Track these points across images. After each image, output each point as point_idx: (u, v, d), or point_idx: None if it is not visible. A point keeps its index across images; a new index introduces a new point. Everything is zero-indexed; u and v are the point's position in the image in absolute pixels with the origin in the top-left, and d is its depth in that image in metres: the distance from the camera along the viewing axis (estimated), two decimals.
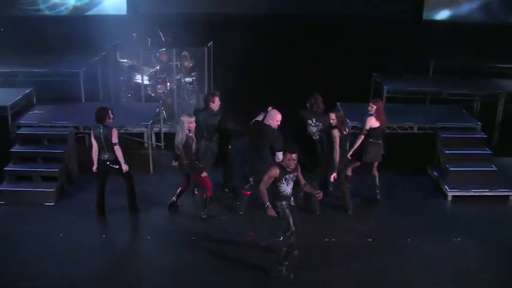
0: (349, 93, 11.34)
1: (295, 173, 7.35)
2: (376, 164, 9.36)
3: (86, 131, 10.41)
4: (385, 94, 11.57)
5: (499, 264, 8.04)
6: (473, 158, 10.17)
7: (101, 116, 8.48)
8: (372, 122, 9.07)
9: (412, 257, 8.13)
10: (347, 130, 8.84)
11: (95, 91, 11.92)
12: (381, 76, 12.36)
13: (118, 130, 8.77)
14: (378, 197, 9.48)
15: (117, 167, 8.62)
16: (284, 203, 7.35)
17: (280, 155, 8.28)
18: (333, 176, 8.74)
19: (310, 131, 9.15)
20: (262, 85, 12.61)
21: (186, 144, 8.52)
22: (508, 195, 9.72)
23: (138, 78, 12.18)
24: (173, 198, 9.08)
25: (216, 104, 9.18)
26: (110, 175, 8.84)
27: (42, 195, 9.32)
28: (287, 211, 7.35)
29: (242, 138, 10.14)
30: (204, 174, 8.67)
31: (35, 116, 10.53)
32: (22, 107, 10.74)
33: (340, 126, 8.68)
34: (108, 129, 8.45)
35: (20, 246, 8.23)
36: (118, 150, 8.56)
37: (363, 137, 9.10)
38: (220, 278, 7.59)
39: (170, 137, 11.19)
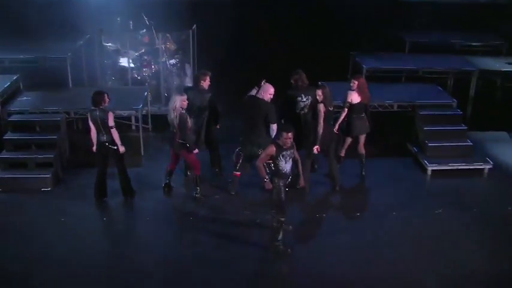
0: (328, 72, 11.64)
1: (292, 150, 7.76)
2: (363, 140, 9.82)
3: (76, 116, 10.61)
4: (364, 73, 11.97)
5: (478, 232, 8.67)
6: (450, 134, 10.74)
7: (97, 100, 8.71)
8: (354, 97, 9.48)
9: (398, 228, 8.66)
10: (332, 107, 9.24)
11: (79, 75, 12.03)
12: (359, 55, 12.79)
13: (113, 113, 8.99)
14: (363, 173, 9.98)
15: (115, 147, 8.88)
16: (282, 183, 7.76)
17: (274, 127, 8.75)
18: (316, 148, 9.09)
19: (299, 107, 9.52)
20: (245, 66, 12.90)
21: (181, 122, 8.76)
22: (483, 168, 10.35)
23: (122, 62, 12.35)
24: (166, 179, 9.40)
25: (206, 83, 9.46)
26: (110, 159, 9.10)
27: (39, 182, 9.51)
28: (282, 194, 7.76)
29: (229, 119, 10.46)
30: (196, 151, 8.98)
31: (24, 102, 10.65)
32: (10, 94, 10.82)
33: (326, 102, 9.03)
34: (105, 112, 8.69)
35: (22, 231, 8.44)
36: (114, 133, 8.81)
37: (346, 110, 9.51)
38: (220, 255, 7.99)
39: (156, 118, 11.72)
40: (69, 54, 11.45)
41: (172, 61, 12.56)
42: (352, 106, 9.53)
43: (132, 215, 9.16)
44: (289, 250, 8.02)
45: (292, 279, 7.69)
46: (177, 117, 8.75)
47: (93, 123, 8.79)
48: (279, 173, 7.76)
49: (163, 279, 7.51)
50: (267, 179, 7.77)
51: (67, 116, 10.49)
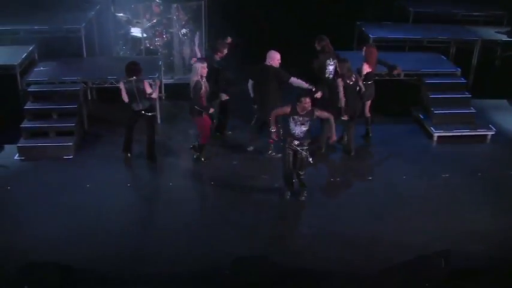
0: (333, 42, 11.67)
1: (307, 119, 8.14)
2: (369, 104, 10.36)
3: (93, 85, 10.92)
4: (371, 42, 12.20)
5: (482, 194, 9.17)
6: (454, 102, 11.19)
7: (134, 70, 9.09)
8: (366, 68, 10.06)
9: (408, 191, 9.15)
10: (353, 79, 9.66)
11: (92, 46, 12.27)
12: (365, 24, 13.09)
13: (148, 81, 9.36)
14: (370, 134, 10.53)
15: (150, 114, 9.30)
16: (288, 144, 8.25)
17: (294, 80, 9.26)
18: (345, 117, 9.66)
19: (328, 71, 10.09)
20: (254, 36, 13.17)
21: (194, 89, 9.11)
22: (486, 135, 10.84)
23: (134, 32, 12.60)
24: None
25: (223, 54, 9.84)
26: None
27: (61, 149, 9.84)
28: (287, 157, 8.34)
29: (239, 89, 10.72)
30: (211, 110, 9.33)
31: (41, 73, 10.91)
32: (27, 65, 11.05)
33: (344, 76, 9.52)
34: (141, 81, 9.11)
35: (50, 197, 8.77)
36: (153, 99, 9.30)
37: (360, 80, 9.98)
38: (239, 214, 8.51)
39: (169, 88, 12.01)
40: (83, 24, 11.63)
41: (184, 30, 12.80)
42: (365, 75, 10.06)
43: (155, 180, 9.52)
44: (287, 195, 8.75)
45: (306, 239, 8.14)
46: (193, 84, 9.10)
47: (128, 93, 9.11)
48: (288, 132, 8.27)
49: (187, 239, 7.95)
50: (273, 129, 8.33)
51: (85, 85, 10.77)
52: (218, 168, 9.72)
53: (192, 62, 10.04)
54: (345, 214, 8.61)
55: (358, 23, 13.32)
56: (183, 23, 12.67)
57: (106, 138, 10.46)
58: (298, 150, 8.40)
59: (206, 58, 9.95)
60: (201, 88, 9.12)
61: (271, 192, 9.01)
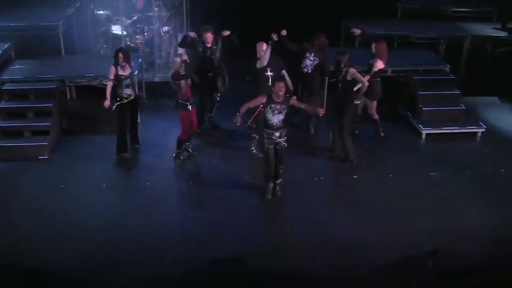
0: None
1: (284, 106, 7.98)
2: (375, 104, 10.13)
3: (71, 84, 10.64)
4: (358, 39, 12.10)
5: (472, 192, 8.96)
6: (443, 99, 10.99)
7: (124, 58, 9.11)
8: (380, 64, 9.75)
9: (395, 190, 8.94)
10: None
11: (71, 44, 11.99)
12: (352, 21, 12.86)
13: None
14: (382, 133, 10.27)
15: (133, 97, 9.32)
16: (268, 138, 8.12)
17: (284, 72, 9.22)
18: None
19: (304, 64, 10.01)
20: (239, 33, 12.91)
21: (172, 79, 8.96)
22: (476, 132, 10.63)
23: (115, 30, 12.34)
24: (185, 144, 9.44)
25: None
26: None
27: (36, 150, 9.55)
28: (268, 152, 8.21)
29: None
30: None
31: (17, 71, 10.63)
32: (2, 63, 10.78)
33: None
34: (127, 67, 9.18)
35: (21, 199, 8.51)
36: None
37: (368, 77, 9.61)
38: (219, 214, 8.26)
39: (150, 86, 11.85)
40: (61, 21, 11.36)
41: (165, 28, 12.55)
42: (377, 72, 9.77)
43: (131, 181, 9.28)
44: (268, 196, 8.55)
45: (292, 240, 7.91)
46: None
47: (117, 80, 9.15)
48: (266, 123, 8.10)
49: (164, 241, 7.67)
50: (239, 113, 8.12)
51: (62, 84, 10.49)
52: (199, 167, 9.51)
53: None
54: (329, 214, 8.38)
55: (345, 19, 13.08)
56: (165, 20, 12.39)
57: (83, 138, 10.22)
58: (279, 143, 8.22)
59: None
60: (177, 78, 8.88)
61: (253, 191, 8.77)
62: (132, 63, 9.40)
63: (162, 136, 10.39)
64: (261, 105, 8.17)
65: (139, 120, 10.58)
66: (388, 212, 8.42)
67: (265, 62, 9.13)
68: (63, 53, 11.50)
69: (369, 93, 9.75)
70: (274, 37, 9.00)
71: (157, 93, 11.80)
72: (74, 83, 10.67)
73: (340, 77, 9.32)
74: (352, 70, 9.17)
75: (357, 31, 10.76)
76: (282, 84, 7.97)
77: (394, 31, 12.49)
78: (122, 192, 8.89)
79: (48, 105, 10.05)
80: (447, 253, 7.21)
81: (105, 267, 7.16)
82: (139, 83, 11.72)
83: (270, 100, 8.03)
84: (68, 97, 11.74)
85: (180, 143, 9.41)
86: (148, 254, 7.41)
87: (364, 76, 9.39)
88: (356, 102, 9.42)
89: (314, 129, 10.60)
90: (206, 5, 12.55)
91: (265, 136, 8.28)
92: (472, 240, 7.76)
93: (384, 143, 10.34)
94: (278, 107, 8.04)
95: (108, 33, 12.32)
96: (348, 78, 9.18)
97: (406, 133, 10.74)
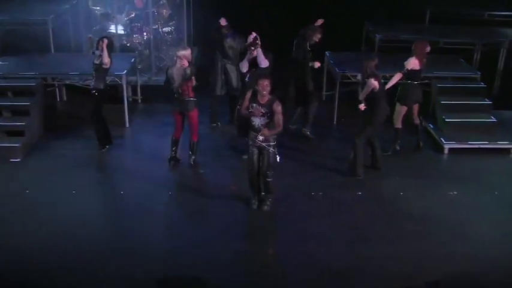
0: (341, 42, 11.21)
1: (265, 111, 7.22)
2: (417, 109, 9.25)
3: (54, 82, 10.08)
4: (377, 43, 11.35)
5: (497, 215, 7.87)
6: (471, 109, 9.95)
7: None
8: (413, 63, 8.85)
9: (404, 209, 7.97)
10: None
11: (66, 41, 11.47)
12: (372, 24, 12.05)
13: None
14: (421, 144, 9.41)
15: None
16: (251, 140, 7.40)
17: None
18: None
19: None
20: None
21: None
22: (509, 148, 9.49)
23: (112, 28, 11.76)
24: (172, 152, 8.85)
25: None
26: None
27: (8, 151, 8.97)
28: (250, 156, 7.50)
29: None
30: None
31: None
32: None
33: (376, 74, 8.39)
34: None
35: None
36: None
37: (400, 75, 8.86)
38: (200, 228, 7.53)
39: (146, 89, 11.27)
40: (51, 16, 10.87)
41: (167, 29, 11.90)
42: (409, 72, 8.89)
43: (104, 188, 8.65)
44: (254, 203, 7.85)
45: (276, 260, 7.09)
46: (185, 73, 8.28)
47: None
48: (250, 124, 7.40)
49: (139, 256, 6.93)
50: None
51: (44, 81, 9.97)
52: (184, 176, 8.79)
53: None
54: (322, 233, 7.43)
55: (365, 22, 12.25)
56: (165, 19, 11.75)
57: (65, 141, 9.62)
58: (264, 148, 7.39)
59: None
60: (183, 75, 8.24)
61: (238, 203, 7.97)
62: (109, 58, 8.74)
63: (150, 142, 9.75)
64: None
65: (127, 125, 10.17)
66: (390, 234, 7.44)
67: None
68: (52, 50, 10.93)
69: (400, 97, 8.98)
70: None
71: (153, 97, 11.17)
72: (58, 81, 10.00)
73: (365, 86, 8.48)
74: (370, 81, 8.22)
75: None
76: (266, 82, 7.17)
77: (419, 35, 11.37)
78: (91, 200, 8.17)
79: (24, 104, 9.46)
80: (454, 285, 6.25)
81: (59, 275, 6.54)
82: (134, 86, 11.15)
83: (254, 98, 7.29)
84: (58, 99, 11.22)
85: (197, 146, 8.78)
86: (120, 270, 6.67)
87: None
88: (361, 107, 8.43)
89: (311, 133, 9.80)
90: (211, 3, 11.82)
91: (249, 137, 7.54)
92: (486, 274, 6.67)
93: (399, 157, 9.33)
94: (259, 108, 7.26)
95: (103, 32, 11.68)
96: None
97: (427, 147, 9.66)
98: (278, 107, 7.22)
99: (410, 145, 9.57)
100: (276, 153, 7.50)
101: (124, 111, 10.21)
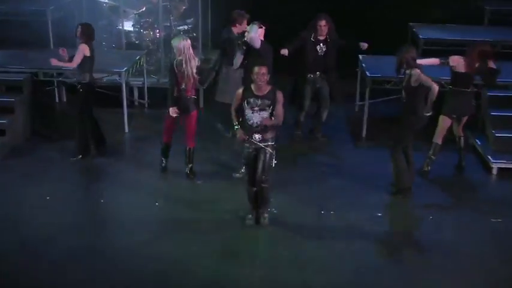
0: (386, 44, 10.35)
1: (267, 102, 6.84)
2: (463, 121, 8.57)
3: (46, 78, 9.92)
4: (421, 45, 10.79)
5: None
6: None
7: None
8: (457, 61, 8.19)
9: (431, 238, 7.29)
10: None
11: (69, 36, 11.24)
12: (417, 25, 11.59)
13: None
14: (463, 163, 8.71)
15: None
16: (247, 141, 6.98)
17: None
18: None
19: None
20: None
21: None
22: None
23: (125, 26, 11.45)
24: (163, 161, 8.60)
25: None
26: None
27: None
28: (247, 160, 7.09)
29: None
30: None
31: None
32: None
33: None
34: None
35: None
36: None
37: (437, 61, 8.28)
38: (181, 249, 6.97)
39: (155, 92, 10.94)
40: (51, 7, 10.76)
41: (183, 27, 11.55)
42: (455, 76, 8.28)
43: (84, 196, 8.32)
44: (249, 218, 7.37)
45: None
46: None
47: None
48: (243, 123, 7.00)
49: (117, 274, 6.53)
50: (237, 125, 7.06)
51: (35, 77, 9.82)
52: (176, 187, 8.39)
53: None
54: (326, 261, 6.79)
55: (410, 24, 11.72)
56: (180, 15, 11.52)
57: (51, 144, 9.36)
58: (261, 148, 6.96)
59: None
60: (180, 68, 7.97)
61: (233, 220, 7.49)
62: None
63: (147, 150, 9.38)
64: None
65: (126, 130, 9.93)
66: (408, 269, 6.77)
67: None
68: (51, 45, 10.79)
69: (444, 106, 8.35)
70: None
71: (162, 101, 10.64)
72: (50, 76, 9.85)
73: (403, 83, 7.87)
74: (417, 71, 7.64)
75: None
76: (263, 70, 6.74)
77: (471, 37, 10.65)
78: (65, 209, 7.80)
79: (9, 100, 9.32)
80: None
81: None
82: (141, 88, 10.89)
83: (248, 92, 6.87)
84: (57, 100, 11.13)
85: (191, 154, 8.47)
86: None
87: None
88: (426, 114, 7.73)
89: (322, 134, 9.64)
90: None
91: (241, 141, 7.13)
92: None
93: (436, 176, 8.60)
94: (259, 102, 6.83)
95: (112, 28, 11.44)
96: (413, 83, 7.65)
97: (473, 166, 8.95)
98: (281, 96, 6.92)
99: (451, 163, 8.83)
100: (274, 155, 7.05)
101: (123, 114, 9.91)
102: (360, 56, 10.47)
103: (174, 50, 8.05)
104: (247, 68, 7.97)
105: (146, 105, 10.92)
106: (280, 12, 12.08)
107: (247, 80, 7.47)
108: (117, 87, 10.13)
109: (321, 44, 9.23)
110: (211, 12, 11.94)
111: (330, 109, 9.63)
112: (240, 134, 6.99)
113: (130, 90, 10.95)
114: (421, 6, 12.55)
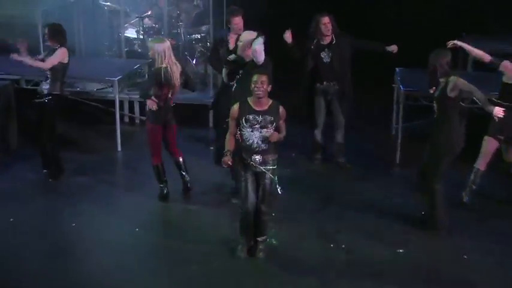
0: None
1: (269, 118, 6.38)
2: None
3: (29, 86, 9.50)
4: (471, 57, 9.68)
5: None
6: None
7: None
8: (510, 68, 7.44)
9: (464, 279, 6.49)
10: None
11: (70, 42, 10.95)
12: (467, 36, 10.58)
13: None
14: (466, 199, 7.87)
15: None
16: (245, 164, 6.48)
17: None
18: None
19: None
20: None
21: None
22: None
23: (128, 32, 11.10)
24: (163, 186, 8.10)
25: None
26: None
27: None
28: (245, 184, 6.53)
29: None
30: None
31: None
32: None
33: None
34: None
35: None
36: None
37: (488, 57, 7.50)
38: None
39: None
40: (43, 9, 10.40)
41: (196, 35, 11.06)
42: (504, 87, 7.60)
43: (53, 219, 7.79)
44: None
45: None
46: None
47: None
48: (241, 145, 6.50)
49: None
50: (227, 152, 6.49)
51: (16, 84, 9.50)
52: (168, 212, 8.04)
53: None
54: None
55: (463, 34, 10.89)
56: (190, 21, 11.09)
57: (28, 161, 8.97)
58: (261, 171, 6.48)
59: None
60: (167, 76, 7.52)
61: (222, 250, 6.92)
62: None
63: (138, 170, 8.92)
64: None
65: (119, 149, 9.51)
66: None
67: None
68: (41, 51, 10.25)
69: (490, 126, 7.54)
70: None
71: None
72: (33, 85, 9.41)
73: (436, 93, 7.06)
74: (454, 78, 6.82)
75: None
76: (263, 78, 6.22)
77: None
78: (33, 231, 7.39)
79: None
80: None
81: None
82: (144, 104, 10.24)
83: (245, 109, 6.38)
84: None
85: (185, 164, 8.21)
86: None
87: None
88: (489, 108, 6.94)
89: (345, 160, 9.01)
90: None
91: (240, 162, 6.61)
92: None
93: (476, 205, 7.82)
94: (260, 119, 6.33)
95: (115, 35, 11.06)
96: (449, 92, 6.82)
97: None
98: (284, 112, 6.53)
99: (495, 194, 8.09)
100: (277, 181, 6.42)
101: (116, 131, 9.46)
102: (397, 69, 9.77)
103: (153, 54, 7.43)
104: (241, 80, 7.35)
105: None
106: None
107: (242, 94, 6.84)
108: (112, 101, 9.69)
109: (326, 50, 8.52)
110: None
111: (361, 132, 9.06)
112: (227, 159, 6.37)
113: (130, 105, 10.56)
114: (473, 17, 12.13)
